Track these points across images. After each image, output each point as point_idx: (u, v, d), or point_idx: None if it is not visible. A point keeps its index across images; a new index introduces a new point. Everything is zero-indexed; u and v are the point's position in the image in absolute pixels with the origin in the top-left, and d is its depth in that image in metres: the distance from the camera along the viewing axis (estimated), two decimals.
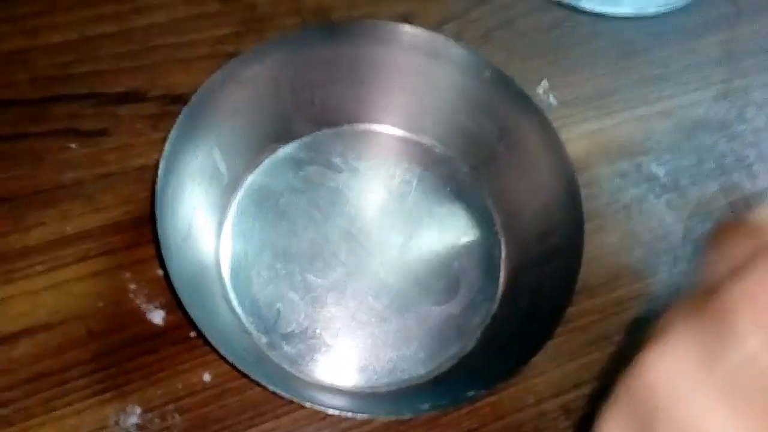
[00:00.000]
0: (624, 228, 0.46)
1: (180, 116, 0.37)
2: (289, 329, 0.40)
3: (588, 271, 0.38)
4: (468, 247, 0.44)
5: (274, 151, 0.44)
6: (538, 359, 0.37)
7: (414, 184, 0.45)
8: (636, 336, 0.35)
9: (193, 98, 0.38)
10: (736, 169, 0.50)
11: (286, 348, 0.40)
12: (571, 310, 0.38)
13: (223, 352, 0.33)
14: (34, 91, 0.45)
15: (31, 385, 0.36)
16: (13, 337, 0.37)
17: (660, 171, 0.49)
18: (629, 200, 0.47)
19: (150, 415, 0.36)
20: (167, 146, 0.36)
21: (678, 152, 0.50)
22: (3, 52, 0.46)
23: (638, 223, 0.46)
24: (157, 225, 0.35)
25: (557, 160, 0.41)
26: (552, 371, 0.41)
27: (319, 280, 0.42)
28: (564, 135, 0.41)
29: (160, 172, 0.35)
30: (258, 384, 0.34)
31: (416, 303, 0.42)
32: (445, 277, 0.43)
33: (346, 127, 0.43)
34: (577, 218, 0.39)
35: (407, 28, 0.42)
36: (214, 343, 0.33)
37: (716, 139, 0.51)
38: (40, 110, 0.44)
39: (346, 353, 0.40)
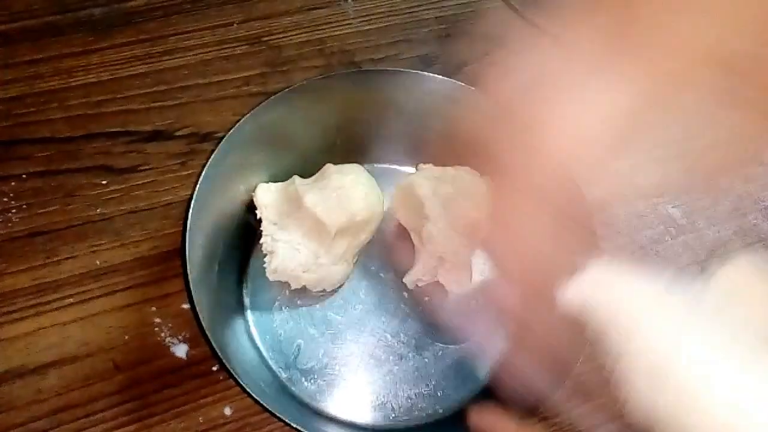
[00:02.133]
0: (638, 267, 0.46)
1: (212, 155, 0.38)
2: (308, 365, 0.41)
3: None
4: (485, 288, 0.45)
5: None
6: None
7: None
8: None
9: (224, 139, 0.39)
10: (753, 211, 0.50)
11: (306, 383, 0.40)
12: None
13: (245, 385, 0.34)
14: (69, 129, 0.47)
15: (58, 416, 0.37)
16: (43, 369, 0.38)
17: (676, 212, 0.49)
18: (645, 241, 0.48)
19: None
20: (199, 183, 0.37)
21: (693, 194, 0.50)
22: (39, 91, 0.48)
23: (654, 263, 0.47)
24: (186, 259, 0.36)
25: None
26: (568, 411, 0.41)
27: (338, 317, 0.43)
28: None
29: (191, 208, 0.37)
30: (279, 419, 0.34)
31: (433, 341, 0.42)
32: (461, 315, 0.44)
33: (367, 167, 0.44)
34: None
35: (428, 76, 0.44)
36: (236, 376, 0.34)
37: (732, 180, 0.51)
38: (74, 147, 0.46)
39: (365, 390, 0.41)
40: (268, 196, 0.41)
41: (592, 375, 0.42)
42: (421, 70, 0.46)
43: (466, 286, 0.41)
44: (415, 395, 0.41)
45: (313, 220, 0.40)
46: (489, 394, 0.41)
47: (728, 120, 0.30)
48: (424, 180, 0.42)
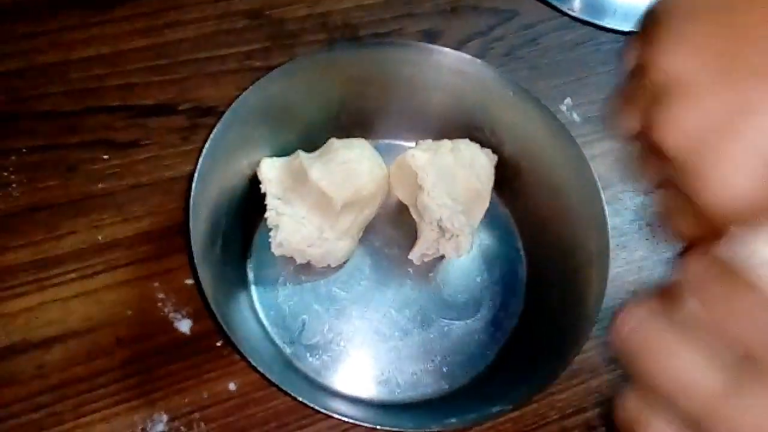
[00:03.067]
0: (647, 245, 0.46)
1: (215, 129, 0.38)
2: (313, 340, 0.41)
3: (611, 288, 0.38)
4: (491, 264, 0.44)
5: None
6: (562, 375, 0.37)
7: None
8: None
9: (226, 113, 0.39)
10: None
11: (310, 359, 0.40)
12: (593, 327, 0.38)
13: (251, 360, 0.34)
14: (69, 103, 0.46)
15: (61, 391, 0.37)
16: (45, 344, 0.38)
17: None
18: (653, 218, 0.47)
19: (176, 423, 0.37)
20: (202, 158, 0.37)
21: None
22: (39, 65, 0.47)
23: (661, 240, 0.46)
24: (190, 233, 0.36)
25: (582, 177, 0.41)
26: (575, 387, 0.41)
27: (343, 293, 0.42)
28: (588, 152, 0.42)
29: (194, 183, 0.36)
30: (285, 393, 0.34)
31: (439, 317, 0.42)
32: (467, 292, 0.43)
33: (371, 143, 0.44)
34: (603, 236, 0.39)
35: (433, 48, 0.43)
36: (242, 351, 0.34)
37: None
38: (74, 122, 0.45)
39: (370, 365, 0.40)
40: (272, 171, 0.41)
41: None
42: None
43: (464, 252, 0.40)
44: (420, 371, 0.41)
45: (318, 195, 0.39)
46: (496, 371, 0.41)
47: None
48: (418, 152, 0.41)
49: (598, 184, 0.40)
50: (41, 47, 0.48)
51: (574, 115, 0.50)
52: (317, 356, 0.40)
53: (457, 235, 0.40)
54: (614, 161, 0.49)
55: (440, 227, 0.41)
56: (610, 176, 0.48)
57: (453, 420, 0.34)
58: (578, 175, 0.41)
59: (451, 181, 0.41)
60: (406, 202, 0.44)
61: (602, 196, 0.40)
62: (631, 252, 0.46)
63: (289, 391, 0.34)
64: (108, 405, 0.37)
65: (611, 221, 0.40)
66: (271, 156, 0.42)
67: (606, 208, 0.40)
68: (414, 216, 0.44)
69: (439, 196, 0.40)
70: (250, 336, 0.39)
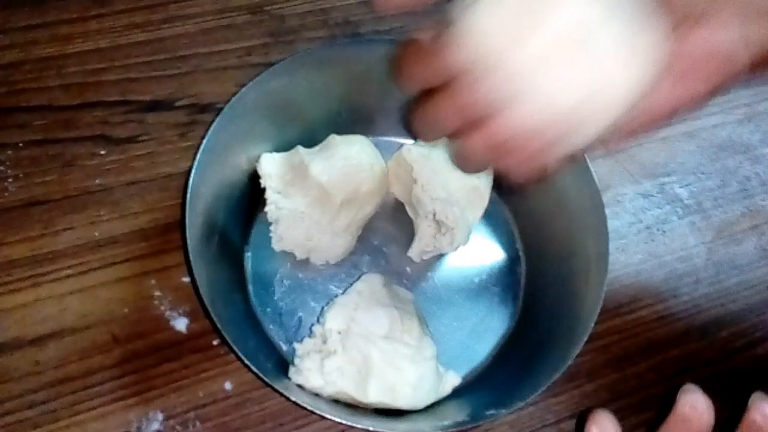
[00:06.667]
0: (646, 249, 0.46)
1: (212, 126, 0.37)
2: None
3: (609, 291, 0.38)
4: (489, 264, 0.44)
5: None
6: (558, 379, 0.37)
7: None
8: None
9: (225, 108, 0.38)
10: (760, 192, 0.50)
11: None
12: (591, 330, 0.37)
13: (246, 361, 0.33)
14: (66, 97, 0.46)
15: (56, 388, 0.37)
16: (40, 340, 0.38)
17: (683, 192, 0.49)
18: (652, 221, 0.47)
19: (171, 422, 0.37)
20: (199, 155, 0.37)
21: (701, 174, 0.49)
22: (36, 58, 0.47)
23: (660, 244, 0.46)
24: (186, 232, 0.35)
25: (581, 179, 0.41)
26: (572, 391, 0.41)
27: (340, 291, 0.42)
28: (587, 153, 0.42)
29: (191, 180, 0.36)
30: (280, 394, 0.34)
31: (436, 317, 0.42)
32: (464, 293, 0.43)
33: (372, 140, 0.43)
34: (602, 238, 0.39)
35: None
36: (238, 352, 0.34)
37: (740, 161, 0.51)
38: (71, 116, 0.45)
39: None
40: (272, 166, 0.41)
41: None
42: None
43: (459, 245, 0.40)
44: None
45: (318, 190, 0.39)
46: (492, 373, 0.41)
47: None
48: (414, 147, 0.41)
49: (598, 185, 0.40)
50: (39, 40, 0.48)
51: None
52: None
53: (452, 228, 0.40)
54: (615, 163, 0.49)
55: (436, 222, 0.40)
56: (610, 178, 0.48)
57: (446, 422, 0.34)
58: (578, 176, 0.41)
59: (447, 176, 0.41)
60: (402, 200, 0.44)
61: (602, 198, 0.40)
62: (629, 255, 0.46)
63: (283, 392, 0.33)
64: (103, 403, 0.37)
65: (610, 224, 0.39)
66: (271, 152, 0.42)
67: (605, 210, 0.39)
68: (410, 214, 0.43)
69: (433, 189, 0.40)
70: (246, 334, 0.39)
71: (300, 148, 0.41)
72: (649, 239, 0.46)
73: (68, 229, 0.41)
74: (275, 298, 0.41)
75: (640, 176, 0.49)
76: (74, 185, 0.43)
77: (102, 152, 0.44)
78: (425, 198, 0.40)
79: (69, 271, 0.40)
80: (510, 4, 0.23)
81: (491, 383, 0.40)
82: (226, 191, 0.40)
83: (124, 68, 0.47)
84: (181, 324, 0.39)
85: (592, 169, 0.40)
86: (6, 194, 0.42)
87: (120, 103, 0.46)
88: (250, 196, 0.42)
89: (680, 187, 0.49)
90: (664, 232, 0.47)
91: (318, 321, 0.39)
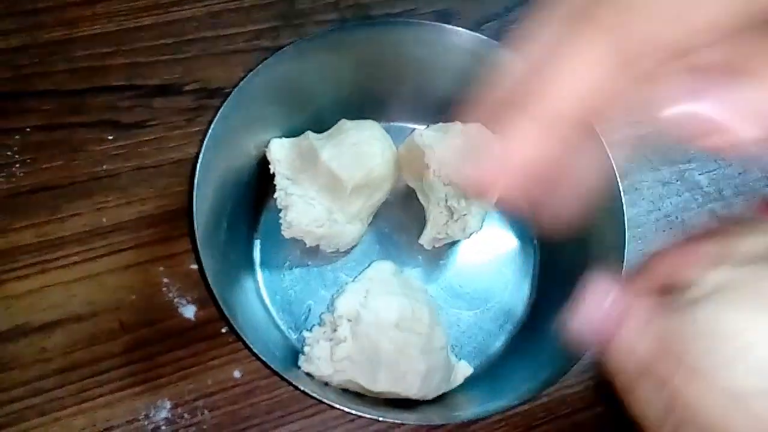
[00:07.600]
0: (664, 237, 0.45)
1: (220, 110, 0.37)
2: None
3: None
4: (503, 253, 0.43)
5: None
6: (573, 370, 0.36)
7: None
8: None
9: (234, 93, 0.37)
10: None
11: None
12: None
13: (255, 349, 0.33)
14: (73, 81, 0.45)
15: (63, 375, 0.36)
16: (47, 327, 0.37)
17: (703, 180, 0.47)
18: (671, 209, 0.46)
19: (180, 410, 0.36)
20: (207, 140, 0.36)
21: (722, 161, 0.48)
22: (43, 42, 0.46)
23: (679, 232, 0.45)
24: (194, 218, 0.35)
25: (599, 166, 0.40)
26: (586, 382, 0.40)
27: (350, 279, 0.41)
28: (605, 139, 0.40)
29: (198, 166, 0.35)
30: (288, 383, 0.34)
31: (448, 306, 0.41)
32: (477, 281, 0.42)
33: (383, 125, 0.42)
34: (619, 227, 0.38)
35: (448, 29, 0.41)
36: (246, 339, 0.33)
37: (762, 147, 0.49)
38: (78, 101, 0.44)
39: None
40: (281, 151, 0.40)
41: None
42: None
43: (472, 232, 0.39)
44: None
45: (328, 176, 0.38)
46: (505, 363, 0.40)
47: None
48: (426, 131, 0.40)
49: (616, 172, 0.39)
50: (45, 23, 0.47)
51: None
52: None
53: (464, 214, 0.39)
54: (633, 149, 0.47)
55: (448, 208, 0.39)
56: (628, 165, 0.46)
57: (457, 414, 0.34)
58: (595, 163, 0.40)
59: (461, 163, 0.40)
60: (413, 186, 0.43)
61: (620, 185, 0.38)
62: (647, 243, 0.44)
63: (291, 380, 0.33)
64: (110, 390, 0.36)
65: (628, 211, 0.38)
66: (280, 137, 0.41)
67: (623, 198, 0.38)
68: (422, 200, 0.43)
69: (447, 175, 0.39)
70: (255, 322, 0.39)
71: (310, 134, 0.41)
72: (668, 227, 0.45)
73: (75, 215, 0.41)
74: (284, 285, 0.41)
75: (659, 163, 0.47)
76: (81, 171, 0.42)
77: (109, 137, 0.43)
78: (437, 183, 0.39)
79: (76, 258, 0.39)
80: None
81: (504, 373, 0.40)
82: (234, 177, 0.40)
83: (131, 52, 0.46)
84: (189, 311, 0.39)
85: (611, 156, 0.39)
86: (13, 179, 0.41)
87: (127, 88, 0.45)
88: (259, 182, 0.41)
89: (700, 174, 0.47)
90: (683, 220, 0.46)
91: (327, 309, 0.38)
